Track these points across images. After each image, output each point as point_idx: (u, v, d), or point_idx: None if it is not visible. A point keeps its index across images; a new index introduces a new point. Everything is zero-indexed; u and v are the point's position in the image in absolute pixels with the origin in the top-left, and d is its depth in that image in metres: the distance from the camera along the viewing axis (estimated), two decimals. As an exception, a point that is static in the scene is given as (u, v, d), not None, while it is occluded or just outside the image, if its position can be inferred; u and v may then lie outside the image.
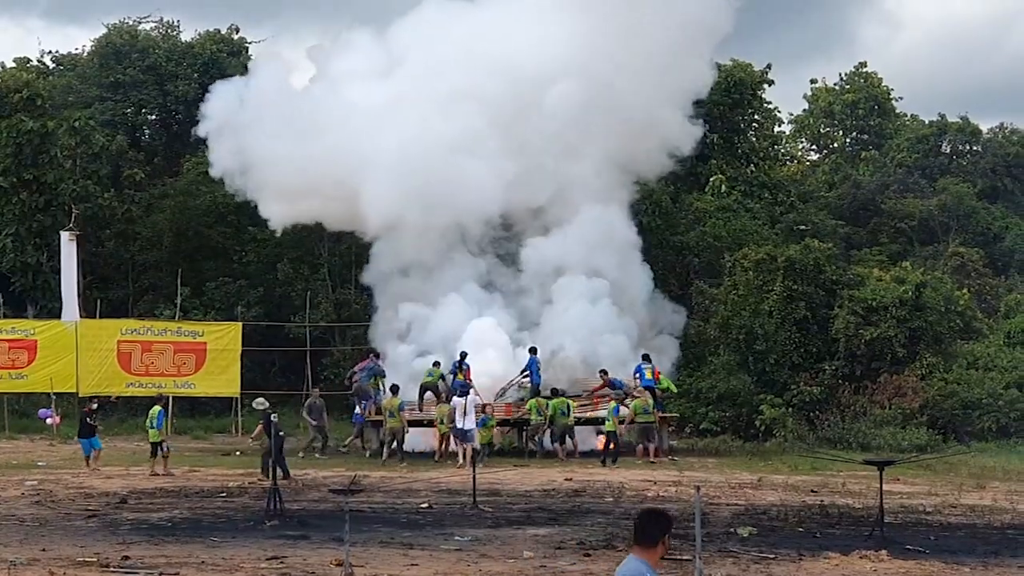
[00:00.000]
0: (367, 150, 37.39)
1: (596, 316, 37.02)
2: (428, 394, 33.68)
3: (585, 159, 38.90)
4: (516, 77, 38.24)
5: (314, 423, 33.52)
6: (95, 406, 31.56)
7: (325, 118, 38.89)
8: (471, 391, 31.91)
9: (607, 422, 31.41)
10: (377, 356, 35.72)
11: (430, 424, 33.03)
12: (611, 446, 30.84)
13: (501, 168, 37.64)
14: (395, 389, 32.73)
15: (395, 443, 31.67)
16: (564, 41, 38.51)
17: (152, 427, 29.01)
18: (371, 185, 37.09)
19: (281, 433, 25.95)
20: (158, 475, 27.60)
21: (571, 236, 38.16)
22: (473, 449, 28.82)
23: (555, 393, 32.61)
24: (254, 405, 28.43)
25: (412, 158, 36.93)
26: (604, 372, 34.12)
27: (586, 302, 37.17)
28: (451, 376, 33.72)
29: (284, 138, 38.37)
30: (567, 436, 32.36)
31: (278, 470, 23.84)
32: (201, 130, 42.14)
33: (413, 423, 32.94)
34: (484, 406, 32.12)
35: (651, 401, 32.09)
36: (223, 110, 40.34)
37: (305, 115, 39.18)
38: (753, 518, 20.45)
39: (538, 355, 34.42)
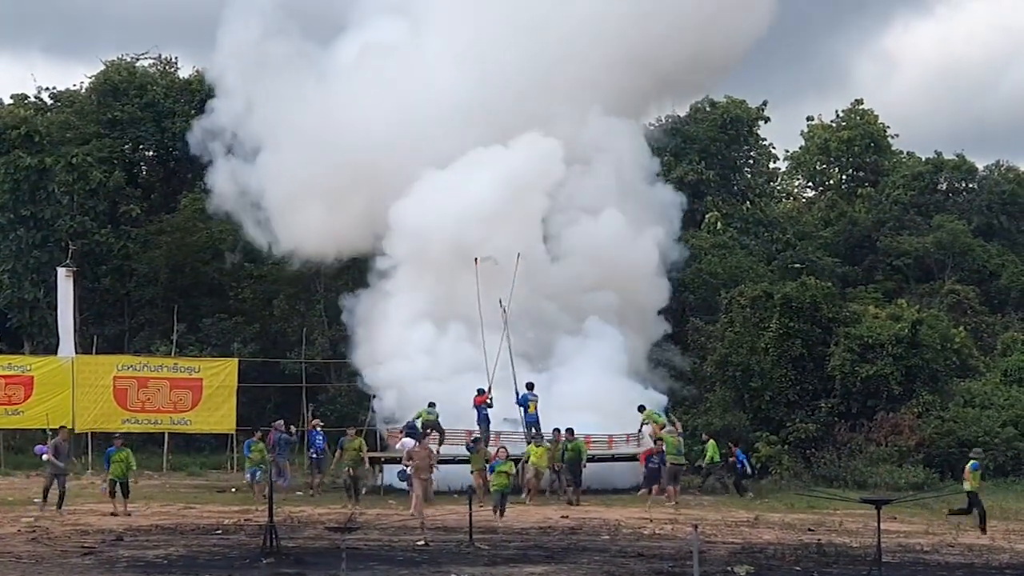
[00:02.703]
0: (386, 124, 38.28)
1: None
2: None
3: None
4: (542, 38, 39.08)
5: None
6: None
7: (338, 108, 39.72)
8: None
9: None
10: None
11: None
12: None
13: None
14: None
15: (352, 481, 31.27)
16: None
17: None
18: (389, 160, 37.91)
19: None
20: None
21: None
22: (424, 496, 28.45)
23: (572, 434, 32.10)
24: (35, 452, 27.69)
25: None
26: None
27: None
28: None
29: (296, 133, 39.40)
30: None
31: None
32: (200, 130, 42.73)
33: (390, 460, 32.84)
34: (497, 449, 29.98)
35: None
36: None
37: (317, 109, 40.07)
38: (750, 556, 20.40)
39: (534, 390, 34.20)
